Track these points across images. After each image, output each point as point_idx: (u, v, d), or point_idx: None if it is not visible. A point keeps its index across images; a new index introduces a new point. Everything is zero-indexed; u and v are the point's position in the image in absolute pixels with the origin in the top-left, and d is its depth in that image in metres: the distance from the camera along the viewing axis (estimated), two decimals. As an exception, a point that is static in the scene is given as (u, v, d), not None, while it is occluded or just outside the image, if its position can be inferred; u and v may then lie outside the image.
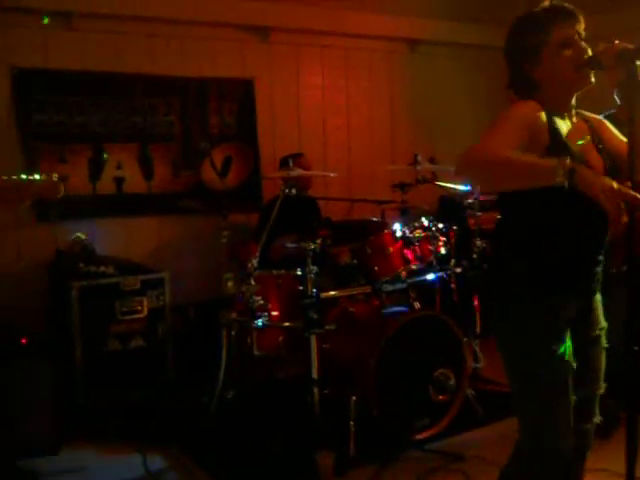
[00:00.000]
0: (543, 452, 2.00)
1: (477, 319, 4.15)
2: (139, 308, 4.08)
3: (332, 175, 4.51)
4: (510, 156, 1.74)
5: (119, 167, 4.75)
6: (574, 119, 2.03)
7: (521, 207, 1.99)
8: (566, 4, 1.92)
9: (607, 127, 2.08)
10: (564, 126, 1.97)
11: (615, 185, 1.62)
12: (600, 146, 2.01)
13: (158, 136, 4.87)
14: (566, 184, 1.64)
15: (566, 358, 1.97)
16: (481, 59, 5.82)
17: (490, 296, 2.12)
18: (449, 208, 5.18)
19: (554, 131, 1.90)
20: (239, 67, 5.14)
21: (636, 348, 1.83)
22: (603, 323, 2.11)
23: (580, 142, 1.96)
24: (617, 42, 1.79)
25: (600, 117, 2.13)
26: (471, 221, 4.35)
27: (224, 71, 5.07)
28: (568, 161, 1.65)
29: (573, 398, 1.98)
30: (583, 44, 1.89)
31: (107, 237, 4.64)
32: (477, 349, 4.16)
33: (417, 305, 3.78)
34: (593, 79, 1.91)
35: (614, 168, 1.96)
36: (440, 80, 5.98)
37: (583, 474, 2.22)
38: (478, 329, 4.15)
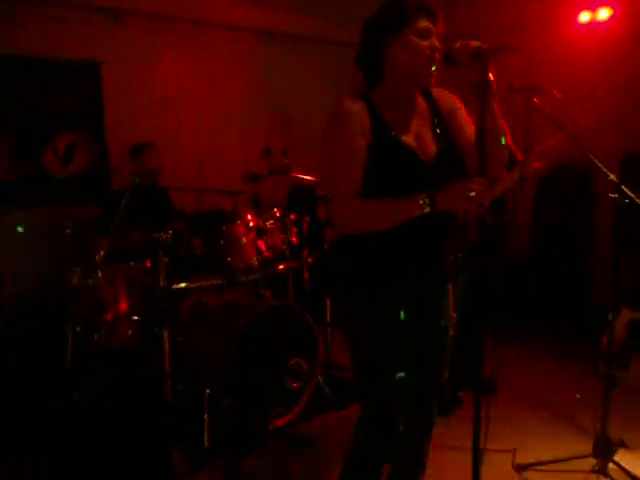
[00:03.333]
0: (377, 425, 2.14)
1: (327, 308, 4.27)
2: (-27, 307, 3.79)
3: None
4: (365, 207, 1.96)
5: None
6: (417, 103, 2.10)
7: (370, 192, 2.04)
8: (432, 3, 2.00)
9: (461, 114, 2.14)
10: (400, 115, 2.05)
11: (470, 189, 1.84)
12: (438, 130, 2.09)
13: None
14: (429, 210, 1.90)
15: (401, 343, 2.07)
16: (333, 54, 5.95)
17: (331, 282, 2.20)
18: (299, 198, 5.26)
19: (379, 125, 2.00)
20: (87, 49, 4.86)
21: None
22: (450, 313, 2.23)
23: None
24: (473, 41, 1.89)
25: (456, 101, 2.18)
26: (321, 211, 4.44)
27: (70, 52, 4.78)
28: (424, 196, 1.89)
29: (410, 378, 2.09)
30: (438, 44, 1.98)
31: None
32: (328, 337, 4.27)
33: (267, 295, 3.81)
34: (434, 80, 2.00)
35: (446, 153, 2.07)
36: (291, 72, 6.04)
37: (428, 452, 2.37)
38: (328, 317, 4.27)
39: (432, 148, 2.06)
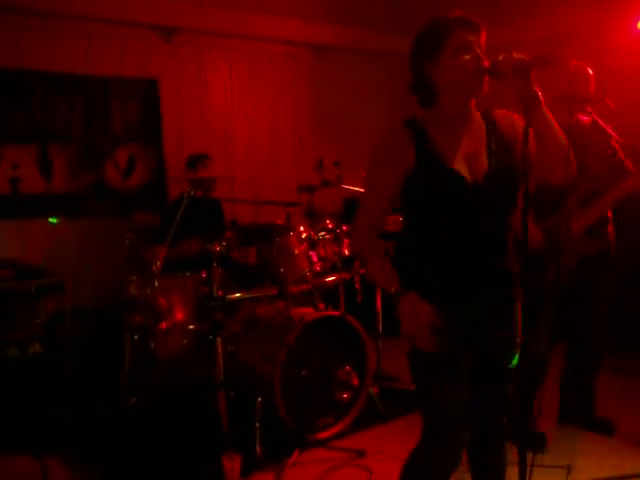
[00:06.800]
0: (438, 440, 2.12)
1: (380, 319, 4.27)
2: (37, 313, 3.94)
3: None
4: (368, 257, 2.16)
5: (14, 168, 4.57)
6: (473, 119, 2.09)
7: (418, 216, 2.08)
8: (471, 15, 1.98)
9: (513, 118, 2.13)
10: (453, 135, 2.04)
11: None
12: (493, 147, 2.07)
13: (57, 135, 4.72)
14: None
15: (457, 356, 2.06)
16: (384, 65, 5.99)
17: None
18: (353, 210, 5.27)
19: (424, 151, 2.01)
20: (143, 67, 5.07)
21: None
22: (510, 326, 2.16)
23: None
24: (515, 53, 1.88)
25: (514, 117, 2.15)
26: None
27: (128, 70, 4.99)
28: (400, 290, 2.02)
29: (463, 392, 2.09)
30: (481, 52, 1.96)
31: (3, 239, 4.48)
32: (379, 348, 4.27)
33: (320, 306, 3.84)
34: (486, 87, 1.97)
35: (497, 171, 2.04)
36: (345, 85, 6.10)
37: (505, 466, 2.29)
38: (380, 329, 4.27)
39: (483, 166, 2.04)
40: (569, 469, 3.04)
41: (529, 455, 1.93)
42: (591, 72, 3.20)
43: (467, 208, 1.99)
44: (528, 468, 1.96)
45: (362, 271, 4.07)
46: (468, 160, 2.03)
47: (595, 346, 3.49)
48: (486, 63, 1.94)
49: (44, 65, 4.62)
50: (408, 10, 5.31)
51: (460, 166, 2.02)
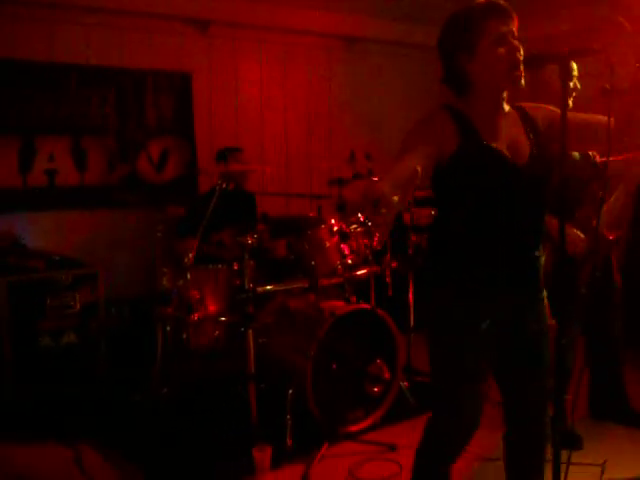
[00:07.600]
0: (447, 429, 2.19)
1: (411, 313, 4.25)
2: (71, 303, 4.00)
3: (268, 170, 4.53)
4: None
5: (51, 159, 4.64)
6: (506, 110, 2.06)
7: (454, 211, 2.06)
8: (502, 2, 1.94)
9: (544, 109, 2.14)
10: (491, 122, 2.02)
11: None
12: (531, 135, 2.06)
13: (92, 128, 4.78)
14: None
15: (478, 352, 2.06)
16: (418, 58, 5.94)
17: (422, 289, 2.18)
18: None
19: (466, 131, 1.96)
20: (177, 60, 5.11)
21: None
22: (545, 319, 2.15)
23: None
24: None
25: (549, 107, 2.16)
26: (406, 217, 4.43)
27: (162, 63, 5.03)
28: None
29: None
30: (516, 43, 1.92)
31: (39, 231, 4.55)
32: (410, 342, 4.24)
33: (352, 299, 3.83)
34: (523, 81, 1.95)
35: (539, 155, 2.03)
36: (377, 77, 6.07)
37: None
38: (412, 323, 4.25)
39: (525, 151, 2.03)
40: (604, 466, 3.00)
41: (564, 453, 1.91)
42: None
43: (509, 190, 1.96)
44: (563, 466, 1.94)
45: (393, 265, 4.05)
46: (509, 145, 2.02)
47: (614, 339, 3.45)
48: (521, 55, 1.92)
49: (77, 58, 4.67)
50: (443, 2, 5.23)
51: (502, 148, 2.01)
